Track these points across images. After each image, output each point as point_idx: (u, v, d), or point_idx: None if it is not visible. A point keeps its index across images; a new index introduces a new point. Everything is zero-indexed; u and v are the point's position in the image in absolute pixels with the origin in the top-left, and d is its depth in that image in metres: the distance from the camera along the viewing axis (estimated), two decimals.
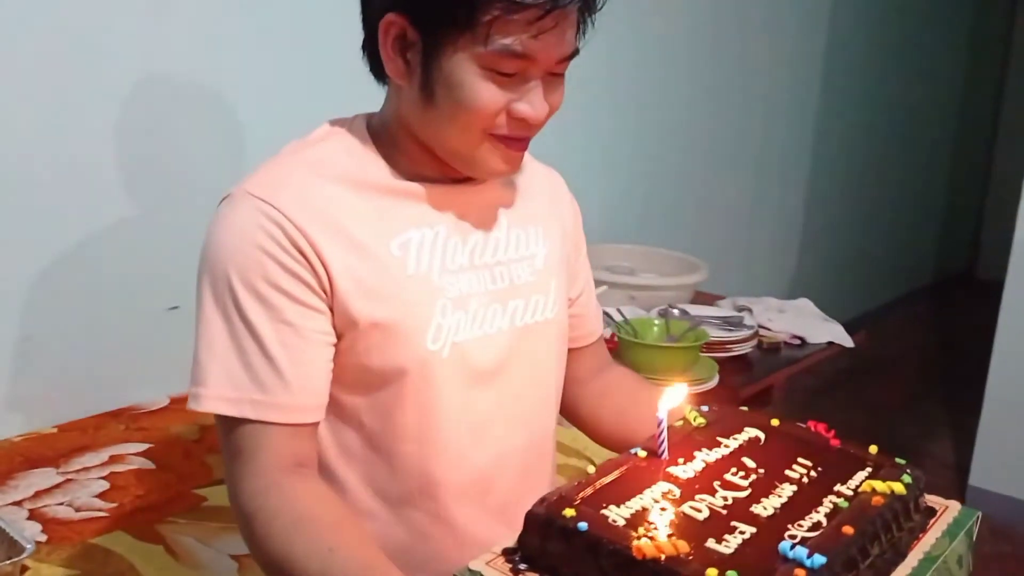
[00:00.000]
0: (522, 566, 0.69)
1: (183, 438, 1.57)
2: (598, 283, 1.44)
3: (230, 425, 0.84)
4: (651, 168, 2.80)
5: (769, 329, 2.22)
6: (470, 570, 0.69)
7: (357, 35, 0.93)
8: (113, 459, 1.48)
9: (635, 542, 0.64)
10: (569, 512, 0.68)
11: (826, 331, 2.27)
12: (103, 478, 1.42)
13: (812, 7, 3.40)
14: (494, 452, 0.94)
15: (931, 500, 0.80)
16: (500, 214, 0.97)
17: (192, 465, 1.49)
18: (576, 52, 0.87)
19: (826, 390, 3.41)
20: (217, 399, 0.83)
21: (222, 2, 1.70)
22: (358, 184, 0.89)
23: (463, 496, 0.93)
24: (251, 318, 0.83)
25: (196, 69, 1.69)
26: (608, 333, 1.71)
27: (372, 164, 0.91)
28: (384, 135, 0.92)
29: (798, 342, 2.22)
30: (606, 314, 1.87)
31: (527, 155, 1.06)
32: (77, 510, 1.33)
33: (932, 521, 0.77)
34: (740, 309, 2.31)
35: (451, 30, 0.81)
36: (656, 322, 1.96)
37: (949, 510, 0.80)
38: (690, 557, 0.63)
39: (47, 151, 1.53)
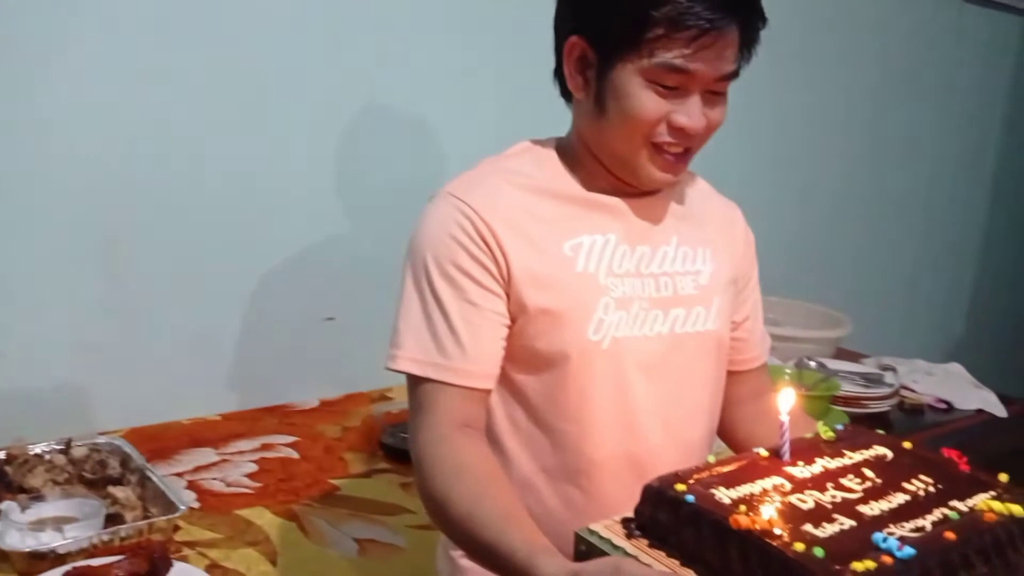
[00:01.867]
0: (636, 531, 0.76)
1: (326, 436, 1.73)
2: None
3: (416, 383, 0.98)
4: (801, 219, 2.78)
5: (913, 391, 2.15)
6: (589, 529, 0.77)
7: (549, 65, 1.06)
8: (264, 447, 1.65)
9: (734, 515, 0.69)
10: (681, 487, 0.74)
11: (977, 398, 2.16)
12: (253, 461, 1.59)
13: (996, 67, 3.26)
14: (645, 445, 1.02)
15: None
16: (671, 231, 1.07)
17: (332, 459, 1.63)
18: (736, 73, 0.97)
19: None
20: (408, 360, 0.97)
21: (439, 41, 1.90)
22: (541, 192, 1.02)
23: (615, 479, 1.01)
24: (441, 296, 0.97)
25: (408, 101, 1.90)
26: None
27: (556, 175, 1.04)
28: (569, 152, 1.06)
29: (944, 406, 2.13)
30: None
31: (708, 186, 1.16)
32: (228, 485, 1.49)
33: None
34: (884, 368, 2.25)
35: (621, 46, 0.93)
36: (788, 371, 1.95)
37: None
38: (782, 534, 0.67)
39: (257, 178, 1.75)
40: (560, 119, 1.09)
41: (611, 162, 1.00)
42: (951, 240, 3.36)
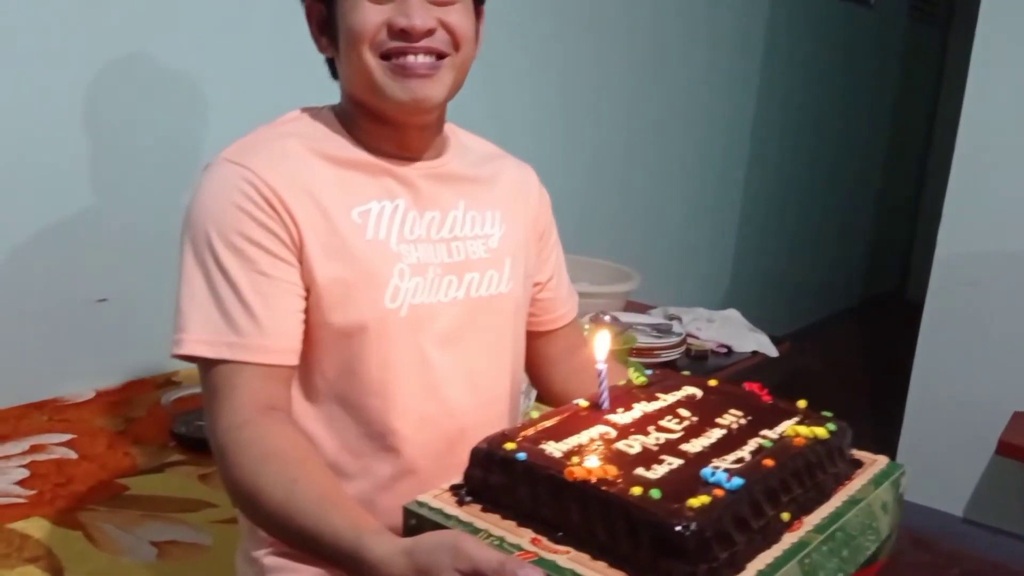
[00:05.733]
0: (467, 498, 0.73)
1: (107, 429, 1.57)
2: None
3: (209, 367, 0.89)
4: (590, 180, 2.87)
5: (697, 337, 2.28)
6: (418, 501, 0.74)
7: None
8: (34, 448, 1.48)
9: (568, 467, 0.68)
10: (510, 445, 0.73)
11: (752, 341, 2.33)
12: (23, 466, 1.42)
13: (748, 31, 3.51)
14: (450, 412, 0.99)
15: (859, 455, 0.85)
16: (458, 195, 1.03)
17: (115, 456, 1.49)
18: None
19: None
20: (197, 342, 0.88)
21: None
22: (324, 156, 0.96)
23: (424, 449, 0.97)
24: (228, 269, 0.89)
25: (164, 53, 1.73)
26: None
27: (337, 140, 0.98)
28: (344, 116, 1.00)
29: (725, 351, 2.28)
30: None
31: (498, 149, 1.14)
32: None
33: (859, 471, 0.82)
34: (670, 318, 2.37)
35: None
36: (586, 327, 2.00)
37: (877, 463, 0.84)
38: (618, 480, 0.67)
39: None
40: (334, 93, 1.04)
41: (365, 93, 0.95)
42: (716, 199, 3.61)
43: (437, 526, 0.70)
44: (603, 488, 0.65)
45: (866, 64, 4.48)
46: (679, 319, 2.35)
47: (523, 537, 0.68)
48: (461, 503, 0.73)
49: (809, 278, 4.47)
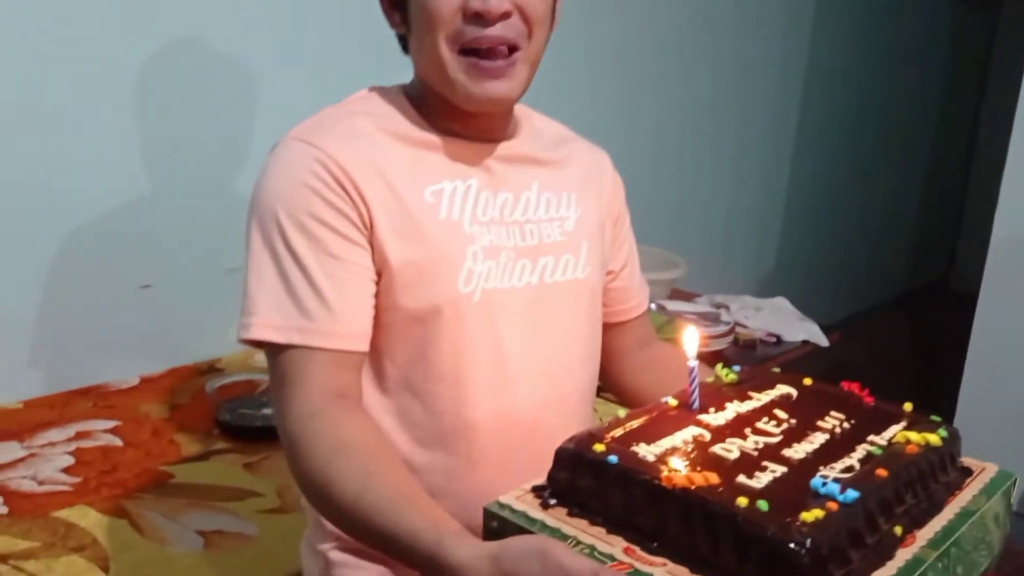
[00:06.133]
0: (551, 501, 0.69)
1: (152, 416, 1.55)
2: None
3: (278, 352, 0.85)
4: (632, 165, 2.80)
5: (745, 326, 2.22)
6: (500, 503, 0.69)
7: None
8: (79, 435, 1.46)
9: (666, 474, 0.63)
10: (599, 447, 0.68)
11: (802, 330, 2.27)
12: (69, 453, 1.40)
13: (797, 13, 3.42)
14: (523, 402, 0.95)
15: (968, 462, 0.80)
16: (531, 176, 0.99)
17: (161, 443, 1.46)
18: None
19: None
20: (266, 326, 0.85)
21: None
22: (395, 136, 0.92)
23: (496, 440, 0.93)
24: (298, 251, 0.85)
25: (215, 37, 1.69)
26: None
27: (407, 119, 0.94)
28: (414, 94, 0.96)
29: (774, 340, 2.22)
30: None
31: (570, 131, 1.09)
32: (40, 483, 1.30)
33: (969, 480, 0.77)
34: (717, 306, 2.31)
35: None
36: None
37: (986, 471, 0.79)
38: (720, 489, 0.62)
39: (49, 132, 1.52)
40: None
41: (437, 83, 0.91)
42: (761, 184, 3.53)
43: (521, 530, 0.66)
44: (706, 498, 0.60)
45: (912, 47, 4.37)
46: (726, 307, 2.29)
47: (615, 546, 0.63)
48: (545, 506, 0.68)
49: (853, 267, 4.38)
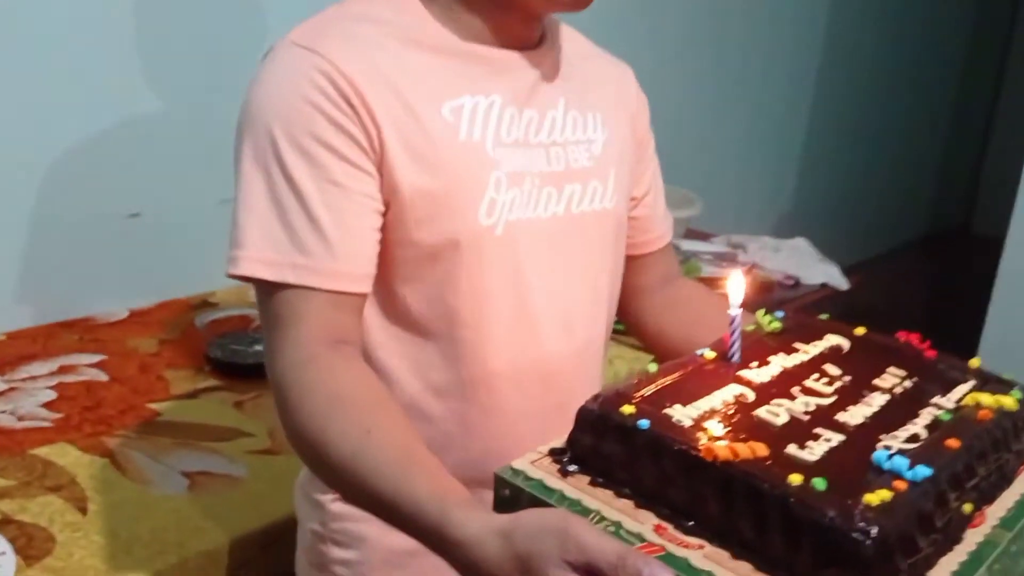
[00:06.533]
0: (571, 467, 0.60)
1: (140, 351, 1.48)
2: None
3: (270, 291, 0.76)
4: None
5: (763, 268, 2.13)
6: (512, 469, 0.61)
7: None
8: (63, 369, 1.39)
9: (705, 443, 0.55)
10: (628, 409, 0.59)
11: (821, 272, 2.18)
12: (51, 388, 1.33)
13: None
14: (545, 346, 0.86)
15: None
16: (558, 92, 0.88)
17: (148, 379, 1.39)
18: None
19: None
20: (256, 262, 0.75)
21: None
22: (408, 41, 0.80)
23: (518, 389, 0.85)
24: (295, 176, 0.74)
25: None
26: None
27: (423, 22, 0.81)
28: None
29: (792, 282, 2.13)
30: None
31: (593, 45, 0.98)
32: (20, 419, 1.24)
33: None
34: (735, 246, 2.22)
35: None
36: None
37: None
38: (768, 462, 0.54)
39: (30, 48, 1.41)
40: None
41: None
42: (779, 123, 3.41)
43: (536, 501, 0.57)
44: (753, 474, 0.52)
45: None
46: (744, 248, 2.20)
47: (644, 523, 0.55)
48: (565, 474, 0.60)
49: (872, 209, 4.27)
